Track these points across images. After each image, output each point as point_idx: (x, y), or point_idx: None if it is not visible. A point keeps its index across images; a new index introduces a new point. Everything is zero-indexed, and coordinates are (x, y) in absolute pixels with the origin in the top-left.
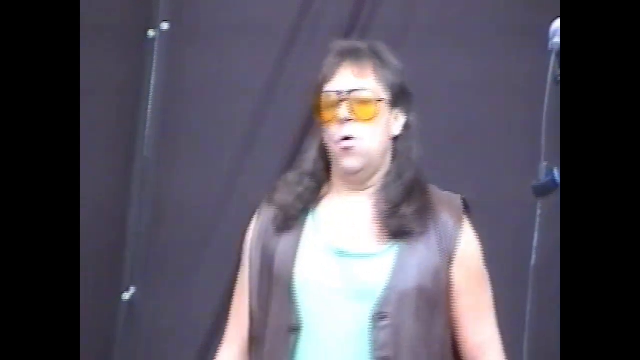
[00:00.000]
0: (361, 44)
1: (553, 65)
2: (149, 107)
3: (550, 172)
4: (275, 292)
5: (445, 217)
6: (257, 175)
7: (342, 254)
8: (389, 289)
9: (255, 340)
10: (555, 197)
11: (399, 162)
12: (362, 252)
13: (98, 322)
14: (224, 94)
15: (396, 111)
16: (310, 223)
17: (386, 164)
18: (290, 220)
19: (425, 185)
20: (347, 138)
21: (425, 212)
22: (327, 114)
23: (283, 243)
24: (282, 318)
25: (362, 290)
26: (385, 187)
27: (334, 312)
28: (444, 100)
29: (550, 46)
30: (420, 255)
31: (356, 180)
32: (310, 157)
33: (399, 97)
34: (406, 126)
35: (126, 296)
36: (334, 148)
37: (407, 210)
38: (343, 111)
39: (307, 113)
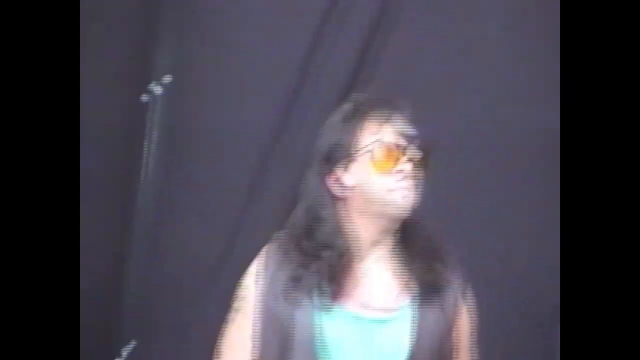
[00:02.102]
0: (396, 100)
1: None
2: (150, 158)
3: None
4: (294, 356)
5: (453, 273)
6: (259, 227)
7: (364, 318)
8: (416, 346)
9: None
10: None
11: (409, 224)
12: (383, 315)
13: None
14: (225, 146)
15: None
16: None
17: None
18: (307, 293)
19: (442, 247)
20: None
21: (442, 270)
22: (386, 164)
23: (300, 312)
24: None
25: (386, 355)
26: (402, 252)
27: None
28: None
29: None
30: (434, 316)
31: (388, 230)
32: (328, 226)
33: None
34: None
35: (125, 351)
36: (390, 195)
37: (437, 263)
38: (407, 166)
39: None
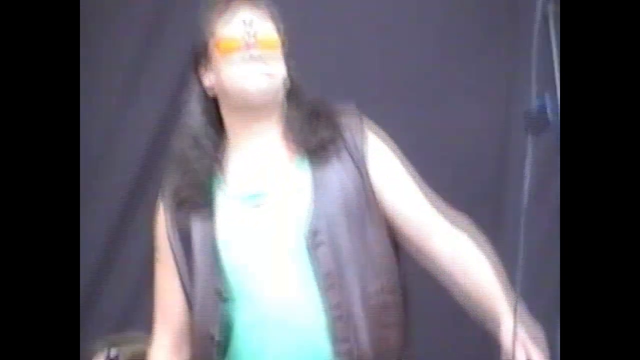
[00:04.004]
0: None
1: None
2: None
3: (541, 99)
4: (200, 265)
5: (347, 125)
6: None
7: (255, 195)
8: (316, 206)
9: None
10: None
11: (293, 99)
12: (275, 182)
13: None
14: None
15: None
16: (217, 185)
17: (278, 106)
18: (196, 195)
19: (324, 104)
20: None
21: (333, 127)
22: (228, 43)
23: (196, 216)
24: (210, 288)
25: (288, 219)
26: (287, 122)
27: (267, 258)
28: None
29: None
30: (336, 170)
31: (255, 116)
32: (195, 120)
33: (286, 43)
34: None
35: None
36: (237, 74)
37: (318, 125)
38: (248, 36)
39: None
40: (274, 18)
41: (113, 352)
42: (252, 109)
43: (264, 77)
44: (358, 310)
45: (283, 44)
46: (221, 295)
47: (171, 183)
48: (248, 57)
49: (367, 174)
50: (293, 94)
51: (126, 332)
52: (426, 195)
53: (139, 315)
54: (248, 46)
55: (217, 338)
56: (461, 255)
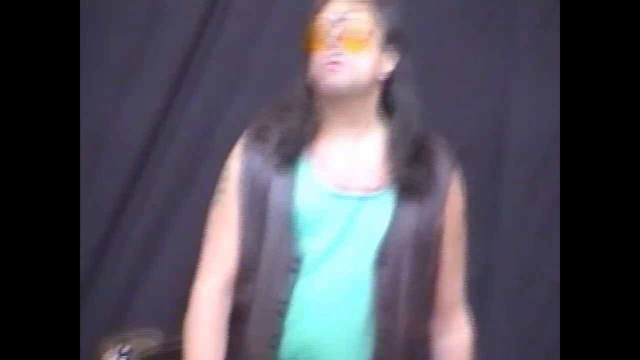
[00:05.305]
0: None
1: None
2: None
3: None
4: (272, 230)
5: (439, 164)
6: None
7: (342, 196)
8: (391, 233)
9: (244, 278)
10: None
11: (402, 110)
12: (362, 194)
13: None
14: None
15: (389, 51)
16: (306, 162)
17: (373, 106)
18: (285, 158)
19: (426, 134)
20: (334, 63)
21: (428, 162)
22: (316, 42)
23: (278, 181)
24: (281, 256)
25: (363, 233)
26: (390, 145)
27: (336, 253)
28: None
29: None
30: (418, 199)
31: (342, 109)
32: (300, 94)
33: (393, 37)
34: (400, 70)
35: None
36: (320, 71)
37: (415, 163)
38: (333, 33)
39: None
40: (371, 11)
41: (125, 348)
42: (338, 104)
43: (343, 73)
44: (400, 339)
45: (378, 39)
46: (293, 266)
47: (262, 133)
48: (328, 55)
49: (442, 212)
50: (398, 112)
51: (139, 329)
52: (462, 277)
53: (138, 300)
54: (332, 44)
55: (283, 311)
56: (451, 348)
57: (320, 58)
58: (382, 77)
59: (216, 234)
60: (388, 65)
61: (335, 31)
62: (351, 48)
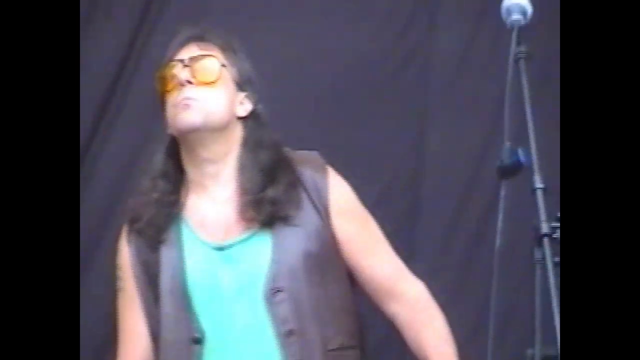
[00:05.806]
0: (210, 29)
1: (514, 44)
2: None
3: (514, 152)
4: (169, 305)
5: (310, 175)
6: None
7: (221, 248)
8: (277, 262)
9: (157, 355)
10: (518, 178)
11: (249, 147)
12: (239, 239)
13: None
14: None
15: (242, 95)
16: (185, 223)
17: (234, 149)
18: (162, 231)
19: (285, 158)
20: (186, 102)
21: (294, 185)
22: (169, 83)
23: (167, 253)
24: (181, 330)
25: (250, 275)
26: (242, 174)
27: (232, 309)
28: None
29: (509, 24)
30: (297, 222)
31: (203, 149)
32: (158, 158)
33: (245, 83)
34: (255, 114)
35: None
36: (173, 112)
37: (275, 193)
38: (184, 74)
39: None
40: (222, 53)
41: None
42: (195, 146)
43: (194, 111)
44: (320, 356)
45: (232, 79)
46: (194, 338)
47: (137, 214)
48: (180, 95)
49: (328, 219)
50: (250, 137)
51: None
52: (389, 252)
53: None
54: (181, 84)
55: None
56: (417, 323)
57: (174, 99)
58: (242, 115)
59: (124, 320)
60: (242, 110)
61: (186, 72)
62: (201, 87)
